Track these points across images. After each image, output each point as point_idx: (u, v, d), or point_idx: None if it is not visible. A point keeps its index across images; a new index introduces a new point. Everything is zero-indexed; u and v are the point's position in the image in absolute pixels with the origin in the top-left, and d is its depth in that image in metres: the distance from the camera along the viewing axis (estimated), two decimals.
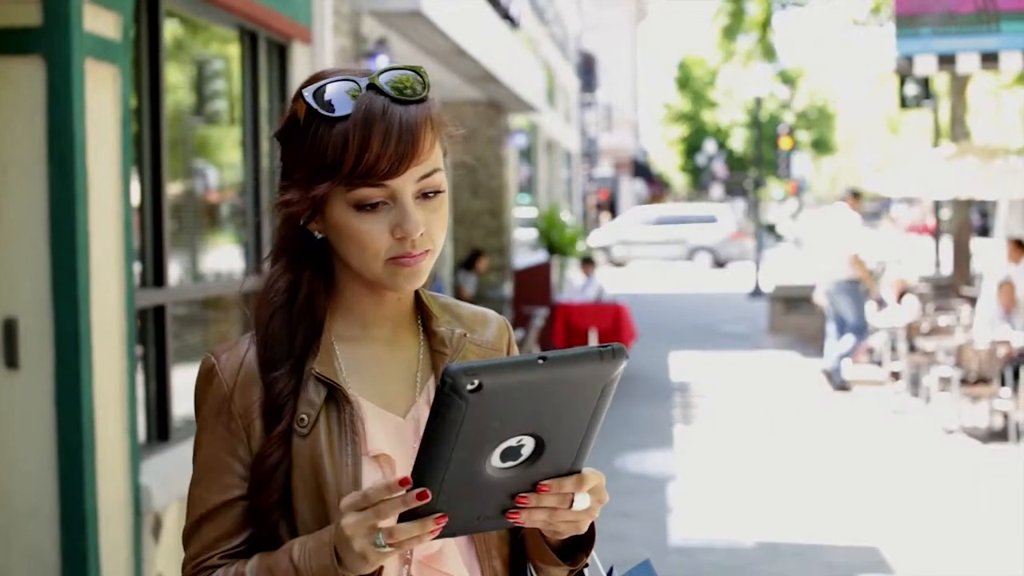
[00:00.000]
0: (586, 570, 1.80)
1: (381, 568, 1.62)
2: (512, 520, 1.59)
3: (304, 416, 1.75)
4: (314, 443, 1.74)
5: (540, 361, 1.49)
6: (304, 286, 1.80)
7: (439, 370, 1.83)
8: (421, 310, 1.87)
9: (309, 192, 1.71)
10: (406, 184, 1.70)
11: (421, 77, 1.73)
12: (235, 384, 1.78)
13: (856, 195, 14.24)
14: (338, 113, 1.69)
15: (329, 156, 1.68)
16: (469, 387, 1.45)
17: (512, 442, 1.54)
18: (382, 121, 1.67)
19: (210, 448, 1.78)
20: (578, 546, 1.76)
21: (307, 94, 1.71)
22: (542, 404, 1.52)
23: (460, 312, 1.92)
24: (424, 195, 1.73)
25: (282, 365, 1.77)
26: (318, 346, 1.79)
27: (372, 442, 1.76)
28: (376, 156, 1.67)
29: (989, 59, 10.23)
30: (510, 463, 1.55)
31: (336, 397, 1.76)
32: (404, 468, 1.75)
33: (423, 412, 1.80)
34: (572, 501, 1.61)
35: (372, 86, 1.70)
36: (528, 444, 1.55)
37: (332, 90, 1.71)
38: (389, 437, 1.77)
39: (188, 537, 1.79)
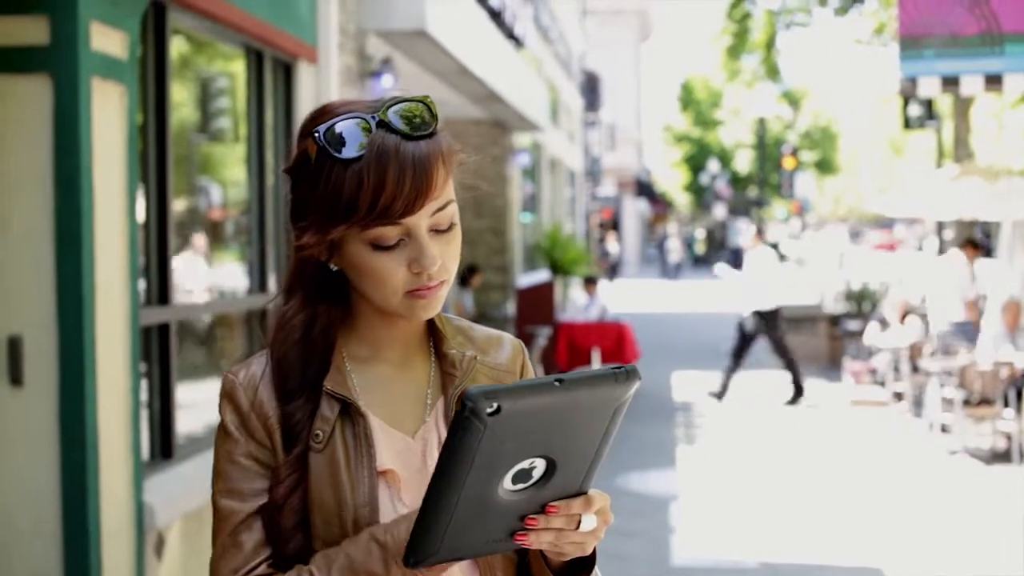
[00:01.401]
0: None
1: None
2: (520, 542, 1.60)
3: (319, 432, 1.77)
4: (331, 457, 1.76)
5: (557, 384, 1.49)
6: (320, 319, 1.81)
7: (448, 392, 1.84)
8: (433, 332, 1.89)
9: (326, 236, 1.71)
10: (421, 220, 1.71)
11: (429, 108, 1.74)
12: (254, 398, 1.79)
13: (975, 246, 14.36)
14: (349, 153, 1.68)
15: (344, 199, 1.68)
16: (488, 410, 1.45)
17: (524, 464, 1.54)
18: (395, 161, 1.67)
19: (237, 456, 1.78)
20: (579, 568, 1.76)
21: (318, 134, 1.71)
22: (556, 426, 1.53)
23: (473, 335, 1.93)
24: (438, 227, 1.74)
25: (299, 393, 1.78)
26: (330, 365, 1.80)
27: (380, 458, 1.78)
28: (391, 197, 1.67)
29: (993, 81, 10.24)
30: (521, 485, 1.56)
31: (349, 412, 1.78)
32: (410, 486, 1.78)
33: (431, 433, 1.82)
34: (579, 522, 1.62)
35: (382, 123, 1.70)
36: (539, 466, 1.56)
37: (342, 128, 1.70)
38: (397, 454, 1.79)
39: (224, 551, 1.77)
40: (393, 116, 1.70)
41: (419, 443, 1.81)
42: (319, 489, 1.75)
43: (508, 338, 1.97)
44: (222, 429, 1.82)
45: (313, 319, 1.81)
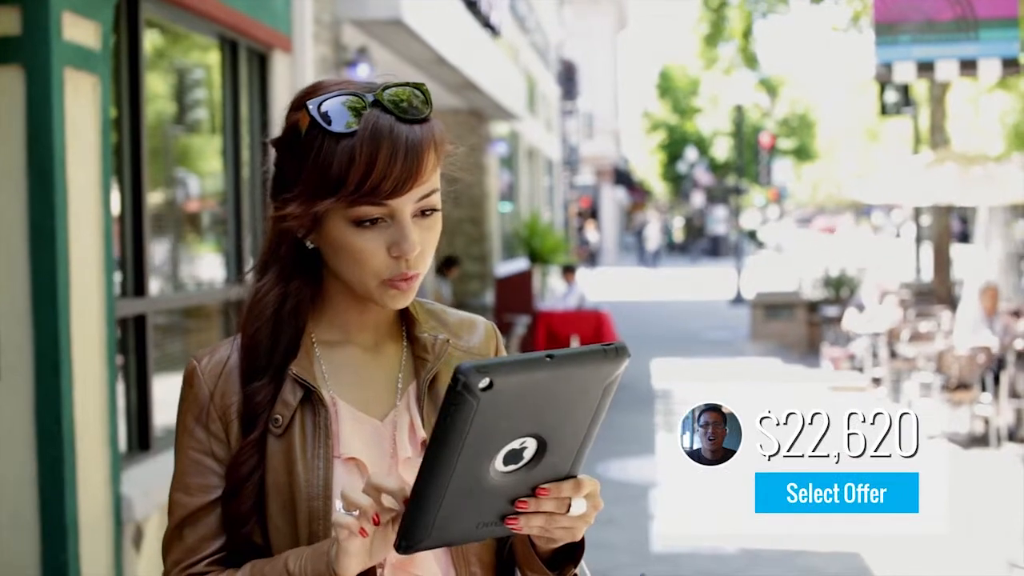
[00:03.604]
0: None
1: (375, 569, 1.63)
2: (510, 526, 1.59)
3: (279, 416, 1.76)
4: (288, 443, 1.75)
5: (548, 359, 1.48)
6: (291, 297, 1.79)
7: (420, 376, 1.83)
8: (405, 316, 1.87)
9: (311, 208, 1.70)
10: (406, 203, 1.70)
11: (423, 94, 1.73)
12: (215, 386, 1.78)
13: None
14: (341, 128, 1.67)
15: (334, 172, 1.67)
16: (481, 385, 1.44)
17: (515, 444, 1.53)
18: (389, 140, 1.67)
19: (191, 451, 1.78)
20: (566, 556, 1.75)
21: (311, 106, 1.69)
22: (548, 404, 1.52)
23: (446, 318, 1.92)
24: (421, 213, 1.73)
25: (263, 374, 1.77)
26: (299, 349, 1.79)
27: (345, 445, 1.76)
28: (382, 175, 1.66)
29: (967, 66, 10.30)
30: (512, 467, 1.55)
31: (312, 399, 1.77)
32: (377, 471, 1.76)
33: (402, 417, 1.80)
34: (569, 506, 1.61)
35: (377, 103, 1.69)
36: (530, 446, 1.54)
37: (336, 104, 1.69)
38: (365, 440, 1.78)
39: (169, 542, 1.78)
40: (389, 97, 1.70)
41: (388, 427, 1.79)
42: (275, 475, 1.74)
43: (481, 321, 1.95)
44: (179, 418, 1.81)
45: (285, 297, 1.79)
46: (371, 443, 1.77)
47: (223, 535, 1.76)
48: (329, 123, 1.68)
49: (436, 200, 1.74)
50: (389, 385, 1.83)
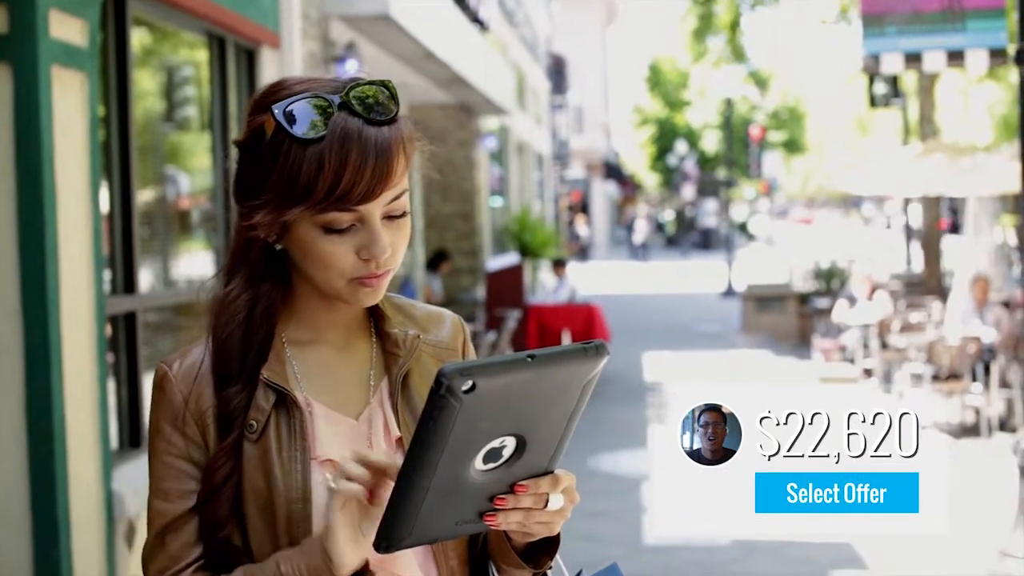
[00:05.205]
0: (549, 572, 1.79)
1: (367, 565, 1.63)
2: (489, 523, 1.59)
3: (253, 422, 1.74)
4: (264, 448, 1.73)
5: (529, 360, 1.49)
6: (262, 300, 1.78)
7: (392, 372, 1.82)
8: (374, 312, 1.86)
9: (280, 216, 1.67)
10: (376, 207, 1.68)
11: (390, 92, 1.70)
12: (190, 391, 1.76)
13: None
14: (308, 133, 1.64)
15: (302, 180, 1.64)
16: (464, 388, 1.44)
17: (495, 443, 1.54)
18: (358, 145, 1.64)
19: (167, 457, 1.76)
20: (542, 549, 1.76)
21: (277, 110, 1.66)
22: (528, 403, 1.53)
23: (414, 313, 1.90)
24: (390, 216, 1.71)
25: (237, 379, 1.75)
26: (270, 352, 1.77)
27: (322, 447, 1.75)
28: (351, 183, 1.64)
29: (955, 57, 10.33)
30: (491, 465, 1.55)
31: (286, 402, 1.75)
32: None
33: (376, 414, 1.80)
34: (547, 501, 1.61)
35: (344, 104, 1.66)
36: (510, 445, 1.55)
37: (302, 107, 1.66)
38: (341, 440, 1.77)
39: (151, 550, 1.75)
40: (355, 98, 1.67)
41: (363, 425, 1.78)
42: (252, 479, 1.73)
43: (448, 315, 1.94)
44: (153, 425, 1.78)
45: (256, 300, 1.77)
46: (347, 443, 1.76)
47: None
48: (296, 128, 1.65)
49: (405, 202, 1.72)
50: (361, 383, 1.82)
